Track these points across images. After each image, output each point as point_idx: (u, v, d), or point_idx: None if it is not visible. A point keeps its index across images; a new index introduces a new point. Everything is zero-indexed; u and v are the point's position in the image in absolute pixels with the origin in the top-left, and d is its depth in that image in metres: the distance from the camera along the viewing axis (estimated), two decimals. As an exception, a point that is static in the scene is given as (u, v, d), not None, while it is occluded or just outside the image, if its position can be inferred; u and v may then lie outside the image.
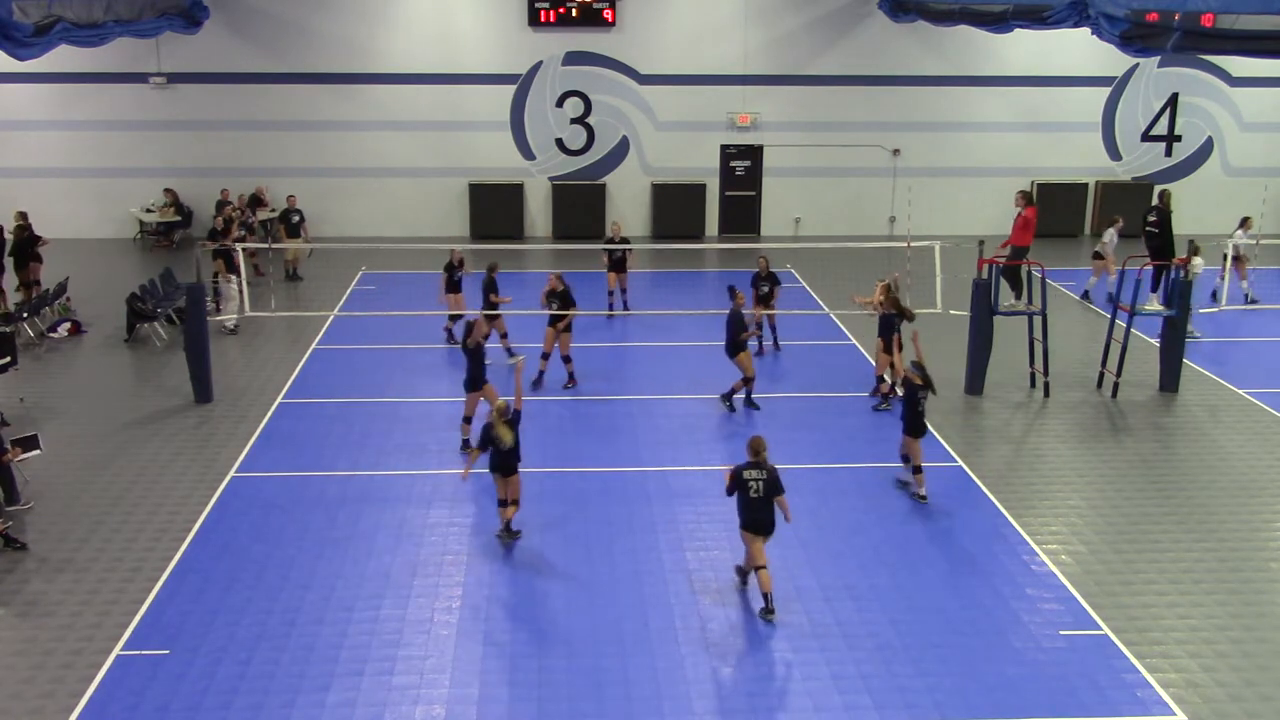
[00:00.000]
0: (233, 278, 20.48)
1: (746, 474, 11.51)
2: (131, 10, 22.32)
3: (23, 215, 22.20)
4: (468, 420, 15.33)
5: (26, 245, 21.71)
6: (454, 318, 19.79)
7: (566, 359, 17.91)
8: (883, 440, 15.93)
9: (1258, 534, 13.44)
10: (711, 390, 17.36)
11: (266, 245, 22.96)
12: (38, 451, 14.34)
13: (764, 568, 11.52)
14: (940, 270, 18.33)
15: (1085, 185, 28.99)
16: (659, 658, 10.80)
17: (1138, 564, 12.63)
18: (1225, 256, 20.87)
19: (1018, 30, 23.17)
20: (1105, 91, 28.70)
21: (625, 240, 21.67)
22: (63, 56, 23.30)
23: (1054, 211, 27.96)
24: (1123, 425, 16.74)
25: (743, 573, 12.12)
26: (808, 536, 13.11)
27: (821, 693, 10.28)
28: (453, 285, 19.59)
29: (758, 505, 11.50)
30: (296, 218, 24.38)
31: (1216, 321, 20.67)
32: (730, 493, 11.66)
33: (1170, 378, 17.96)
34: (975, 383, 17.72)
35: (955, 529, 13.43)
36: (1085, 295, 22.91)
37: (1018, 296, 18.79)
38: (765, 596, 11.46)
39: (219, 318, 20.36)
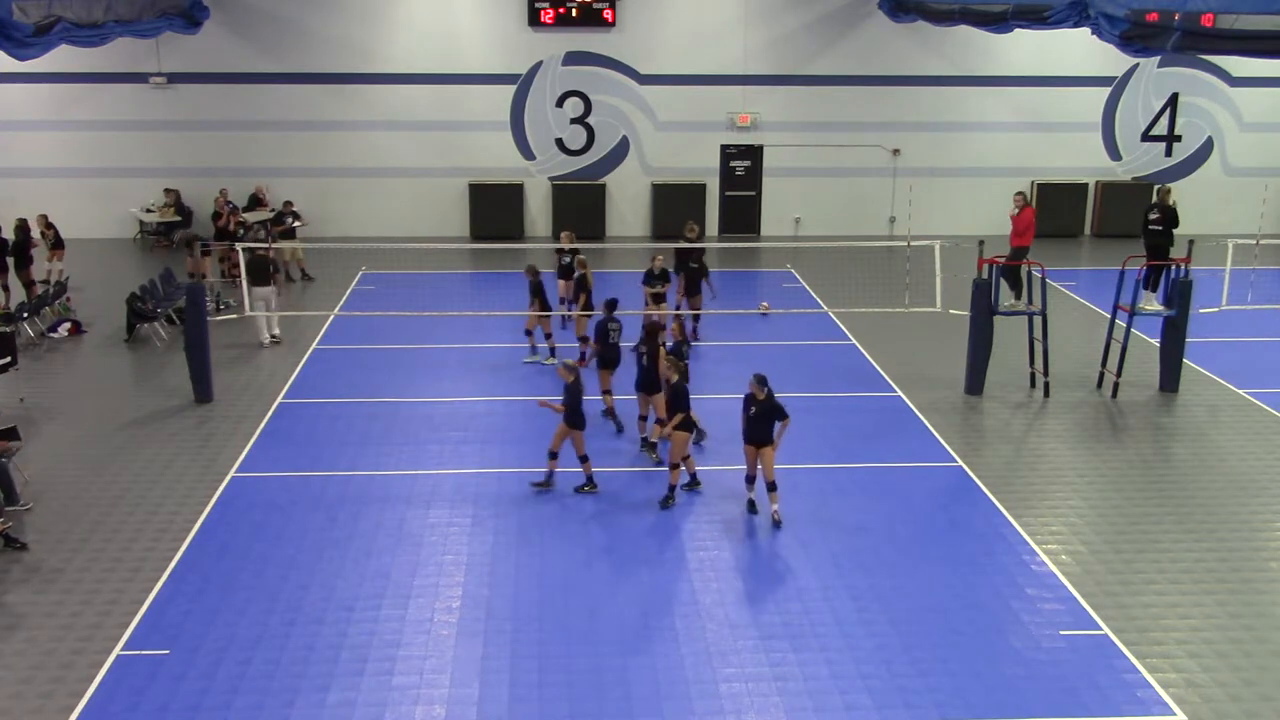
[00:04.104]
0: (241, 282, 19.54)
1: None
2: (131, 10, 22.33)
3: (41, 218, 22.43)
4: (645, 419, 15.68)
5: (26, 245, 21.75)
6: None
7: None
8: (882, 440, 15.95)
9: (1258, 534, 13.44)
10: (708, 391, 17.32)
11: (267, 246, 22.92)
12: (19, 443, 14.22)
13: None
14: (940, 270, 18.32)
15: (1085, 185, 28.99)
16: (659, 658, 10.81)
17: (1138, 564, 12.64)
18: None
19: (1018, 30, 23.17)
20: (1105, 91, 28.70)
21: (576, 251, 19.69)
22: (63, 56, 23.32)
23: (1054, 211, 28.00)
24: (1123, 425, 16.74)
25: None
26: (808, 536, 13.14)
27: (821, 693, 10.29)
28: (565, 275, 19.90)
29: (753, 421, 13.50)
30: (290, 220, 24.33)
31: (1217, 321, 20.63)
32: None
33: (1170, 378, 17.97)
34: (975, 383, 17.73)
35: (955, 529, 13.44)
36: None
37: (1017, 296, 18.78)
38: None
39: (261, 337, 19.89)
